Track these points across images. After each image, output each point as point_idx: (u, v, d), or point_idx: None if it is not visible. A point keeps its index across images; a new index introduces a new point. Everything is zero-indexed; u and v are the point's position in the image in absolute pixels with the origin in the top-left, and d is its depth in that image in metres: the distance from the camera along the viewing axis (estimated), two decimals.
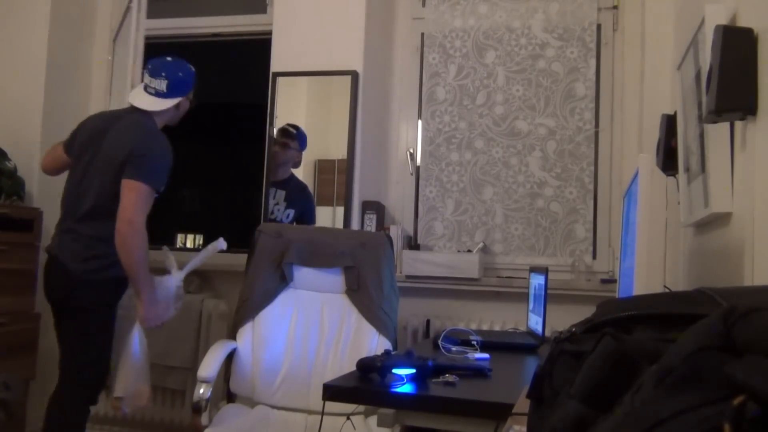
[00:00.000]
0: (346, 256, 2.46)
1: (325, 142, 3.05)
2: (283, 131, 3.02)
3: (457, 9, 3.15)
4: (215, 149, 4.35)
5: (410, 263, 2.89)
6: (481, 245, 2.98)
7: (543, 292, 2.25)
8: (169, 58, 2.49)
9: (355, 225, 2.92)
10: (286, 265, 2.46)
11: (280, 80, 3.06)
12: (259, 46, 3.24)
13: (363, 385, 1.45)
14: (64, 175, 2.47)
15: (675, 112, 1.94)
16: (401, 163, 3.20)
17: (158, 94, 2.42)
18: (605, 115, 2.99)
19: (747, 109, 1.24)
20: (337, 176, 2.97)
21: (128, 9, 3.02)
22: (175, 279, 2.42)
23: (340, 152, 2.97)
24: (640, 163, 1.40)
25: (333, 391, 1.42)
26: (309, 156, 3.04)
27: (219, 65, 3.95)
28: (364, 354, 2.13)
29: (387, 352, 1.58)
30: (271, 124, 3.05)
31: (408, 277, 2.89)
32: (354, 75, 2.96)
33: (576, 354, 0.55)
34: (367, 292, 2.42)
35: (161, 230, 3.97)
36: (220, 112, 4.37)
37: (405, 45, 3.25)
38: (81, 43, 3.36)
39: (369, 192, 3.04)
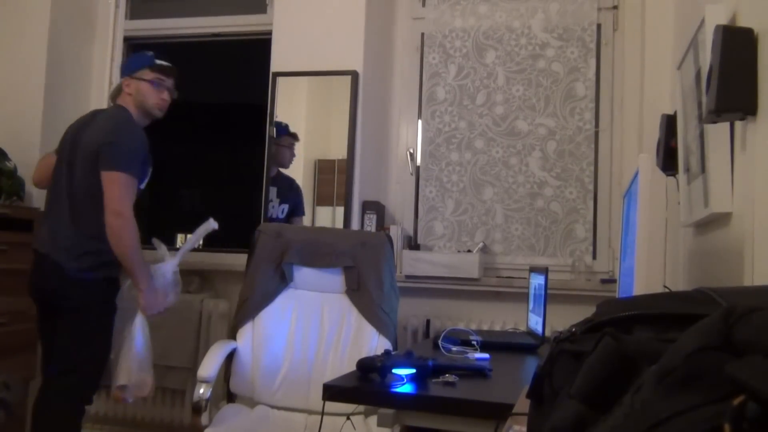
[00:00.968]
0: (346, 256, 2.46)
1: (325, 142, 3.05)
2: (291, 134, 3.04)
3: (457, 9, 3.15)
4: (215, 149, 4.35)
5: (410, 263, 2.89)
6: (481, 245, 2.98)
7: (543, 292, 2.25)
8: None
9: (355, 225, 2.92)
10: (286, 265, 2.46)
11: (280, 80, 3.06)
12: (259, 46, 3.24)
13: (363, 385, 1.45)
14: None
15: (675, 112, 1.94)
16: (401, 163, 3.20)
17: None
18: (605, 115, 2.99)
19: (747, 109, 1.24)
20: (337, 176, 2.97)
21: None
22: (170, 265, 2.42)
23: (340, 152, 2.97)
24: (640, 163, 1.40)
25: (333, 391, 1.42)
26: (309, 156, 3.04)
27: (219, 65, 3.95)
28: (364, 354, 2.13)
29: (387, 352, 1.58)
30: (271, 124, 3.05)
31: (408, 277, 2.89)
32: (354, 75, 2.96)
33: (576, 354, 0.55)
34: (367, 292, 2.42)
35: (161, 230, 3.97)
36: (220, 112, 4.37)
37: (405, 45, 3.25)
38: (81, 43, 3.36)
39: (369, 192, 3.04)
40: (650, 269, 1.33)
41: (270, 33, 3.13)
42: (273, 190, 3.04)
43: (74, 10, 3.32)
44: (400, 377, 1.49)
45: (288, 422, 2.27)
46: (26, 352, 2.82)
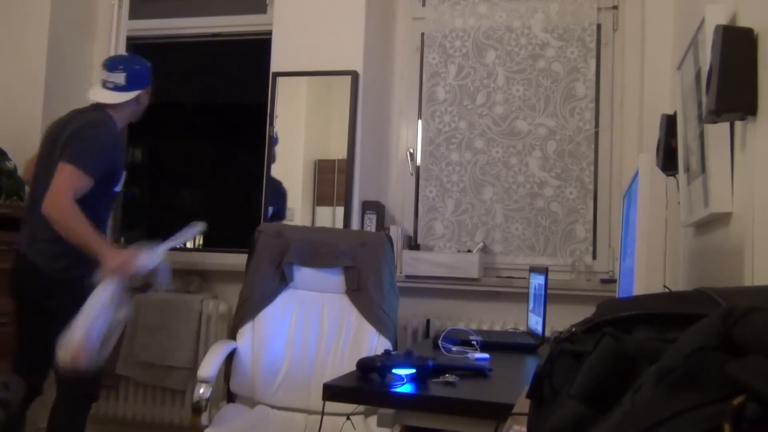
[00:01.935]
0: (346, 256, 2.46)
1: (325, 142, 3.05)
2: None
3: (457, 9, 3.15)
4: (215, 149, 4.35)
5: (410, 263, 2.89)
6: (481, 245, 2.98)
7: (543, 292, 2.25)
8: (125, 53, 2.53)
9: (355, 225, 2.92)
10: (286, 265, 2.46)
11: (280, 80, 3.06)
12: (259, 46, 3.24)
13: (363, 385, 1.45)
14: None
15: (675, 112, 1.94)
16: (401, 163, 3.20)
17: (117, 87, 2.44)
18: (605, 115, 2.99)
19: (747, 109, 1.24)
20: (337, 176, 2.97)
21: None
22: (156, 254, 2.35)
23: (340, 152, 2.97)
24: (640, 163, 1.40)
25: (333, 391, 1.42)
26: (309, 156, 3.04)
27: (219, 65, 3.95)
28: (364, 354, 2.13)
29: (387, 352, 1.58)
30: (271, 124, 3.05)
31: (408, 277, 2.89)
32: (354, 75, 2.96)
33: (576, 354, 0.55)
34: (367, 292, 2.42)
35: (161, 230, 3.97)
36: (220, 112, 4.37)
37: (405, 45, 3.25)
38: (81, 43, 3.36)
39: (369, 192, 3.04)
40: (650, 269, 1.33)
41: (270, 33, 3.13)
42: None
43: (74, 9, 3.31)
44: (400, 377, 1.49)
45: (288, 422, 2.27)
46: None
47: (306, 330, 2.43)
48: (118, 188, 2.45)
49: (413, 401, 1.41)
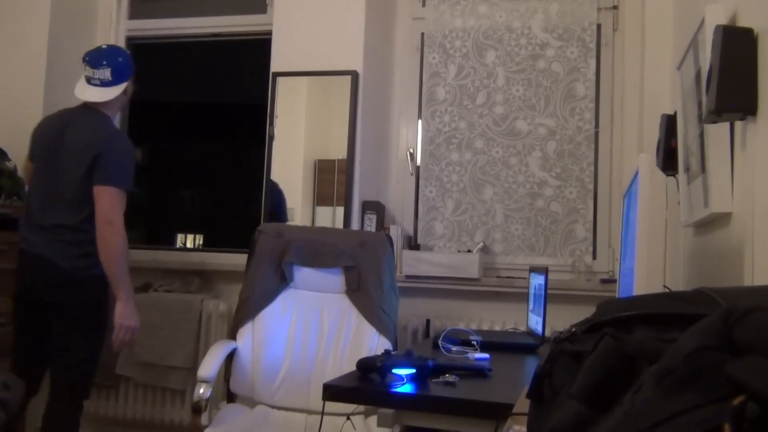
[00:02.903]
0: (346, 256, 2.46)
1: (325, 142, 3.05)
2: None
3: (457, 9, 3.15)
4: (215, 149, 4.35)
5: (410, 263, 2.89)
6: (481, 245, 2.98)
7: (543, 292, 2.25)
8: (104, 46, 2.54)
9: (355, 225, 2.92)
10: (286, 265, 2.46)
11: (280, 80, 3.06)
12: (259, 46, 3.24)
13: (363, 385, 1.45)
14: None
15: (675, 112, 1.94)
16: (401, 163, 3.20)
17: (104, 83, 2.44)
18: (605, 115, 2.99)
19: (747, 109, 1.24)
20: (337, 176, 2.97)
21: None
22: None
23: (340, 152, 2.97)
24: (640, 163, 1.40)
25: (333, 391, 1.42)
26: (309, 156, 3.04)
27: (219, 65, 3.95)
28: (364, 354, 2.13)
29: (387, 352, 1.58)
30: (271, 124, 3.05)
31: (408, 277, 2.89)
32: (354, 75, 2.96)
33: (576, 354, 0.55)
34: (367, 292, 2.42)
35: (161, 230, 3.96)
36: (220, 112, 4.37)
37: (405, 45, 3.25)
38: (81, 43, 3.36)
39: (369, 192, 3.04)
40: (650, 269, 1.33)
41: (270, 33, 3.13)
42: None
43: (74, 9, 3.32)
44: (400, 377, 1.49)
45: (288, 422, 2.27)
46: None
47: (306, 330, 2.43)
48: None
49: (413, 401, 1.41)
